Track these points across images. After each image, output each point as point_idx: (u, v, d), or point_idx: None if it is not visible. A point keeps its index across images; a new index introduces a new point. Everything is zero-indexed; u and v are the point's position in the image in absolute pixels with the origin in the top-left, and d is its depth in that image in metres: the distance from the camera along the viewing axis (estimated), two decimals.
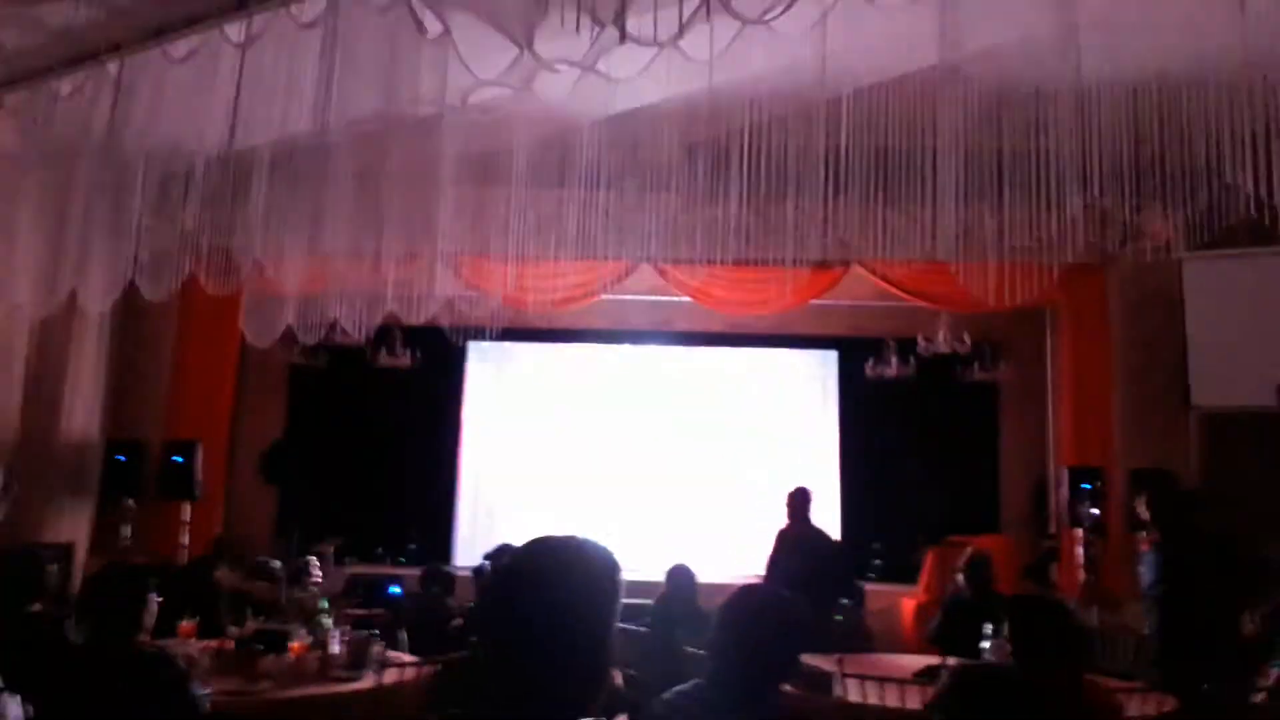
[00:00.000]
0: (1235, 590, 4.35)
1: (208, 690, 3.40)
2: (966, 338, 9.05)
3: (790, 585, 5.77)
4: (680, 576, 6.10)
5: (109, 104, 5.23)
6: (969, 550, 5.74)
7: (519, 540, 5.28)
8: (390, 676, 4.09)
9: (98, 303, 6.30)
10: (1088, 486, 7.35)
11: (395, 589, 7.18)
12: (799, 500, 6.21)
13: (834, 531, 9.73)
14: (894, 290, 7.97)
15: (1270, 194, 6.03)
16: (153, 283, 6.70)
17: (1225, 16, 4.70)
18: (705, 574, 6.29)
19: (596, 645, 1.50)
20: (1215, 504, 6.18)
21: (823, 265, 7.65)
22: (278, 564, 6.07)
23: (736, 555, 8.31)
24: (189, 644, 4.34)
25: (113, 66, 5.23)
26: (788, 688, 2.61)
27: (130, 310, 7.67)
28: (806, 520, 6.16)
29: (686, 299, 8.32)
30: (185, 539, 7.73)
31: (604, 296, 8.24)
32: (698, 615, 5.60)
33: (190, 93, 5.29)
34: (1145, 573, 5.18)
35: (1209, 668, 3.84)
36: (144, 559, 6.99)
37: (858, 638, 6.64)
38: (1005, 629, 2.81)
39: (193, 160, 6.24)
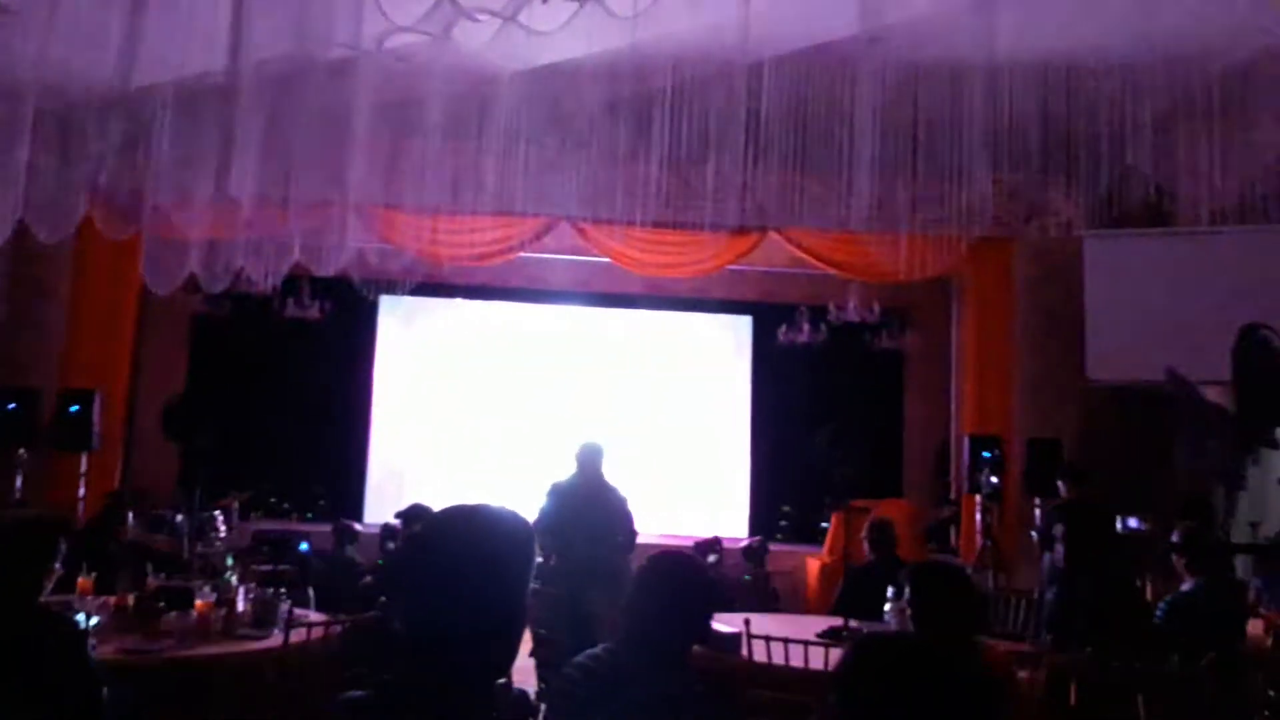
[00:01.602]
0: (1121, 558, 4.56)
1: (93, 642, 3.31)
2: (875, 307, 9.25)
3: (591, 540, 5.90)
4: None
5: None
6: (871, 518, 5.91)
7: (430, 498, 5.22)
8: (298, 635, 4.02)
9: None
10: (988, 455, 7.58)
11: (304, 545, 7.07)
12: (597, 455, 6.27)
13: (744, 494, 9.94)
14: (808, 258, 8.08)
15: (1168, 177, 6.26)
16: (46, 224, 6.39)
17: (1133, 4, 4.84)
18: None
19: (509, 612, 1.51)
20: (1094, 476, 6.47)
21: (740, 231, 7.70)
22: (180, 518, 5.91)
23: (649, 515, 8.39)
24: (87, 601, 4.20)
25: None
26: (696, 649, 2.65)
27: (22, 252, 7.31)
28: (599, 474, 6.24)
29: (604, 259, 8.30)
30: (81, 491, 7.46)
31: (521, 255, 8.17)
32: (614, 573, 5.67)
33: (87, 24, 5.01)
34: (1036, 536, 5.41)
35: (1096, 632, 4.04)
36: (38, 511, 6.73)
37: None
38: (906, 593, 2.90)
39: (90, 96, 5.94)
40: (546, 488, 6.22)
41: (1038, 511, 7.10)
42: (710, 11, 4.90)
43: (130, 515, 5.80)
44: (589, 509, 6.06)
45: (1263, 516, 6.54)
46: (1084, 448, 7.34)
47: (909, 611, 2.81)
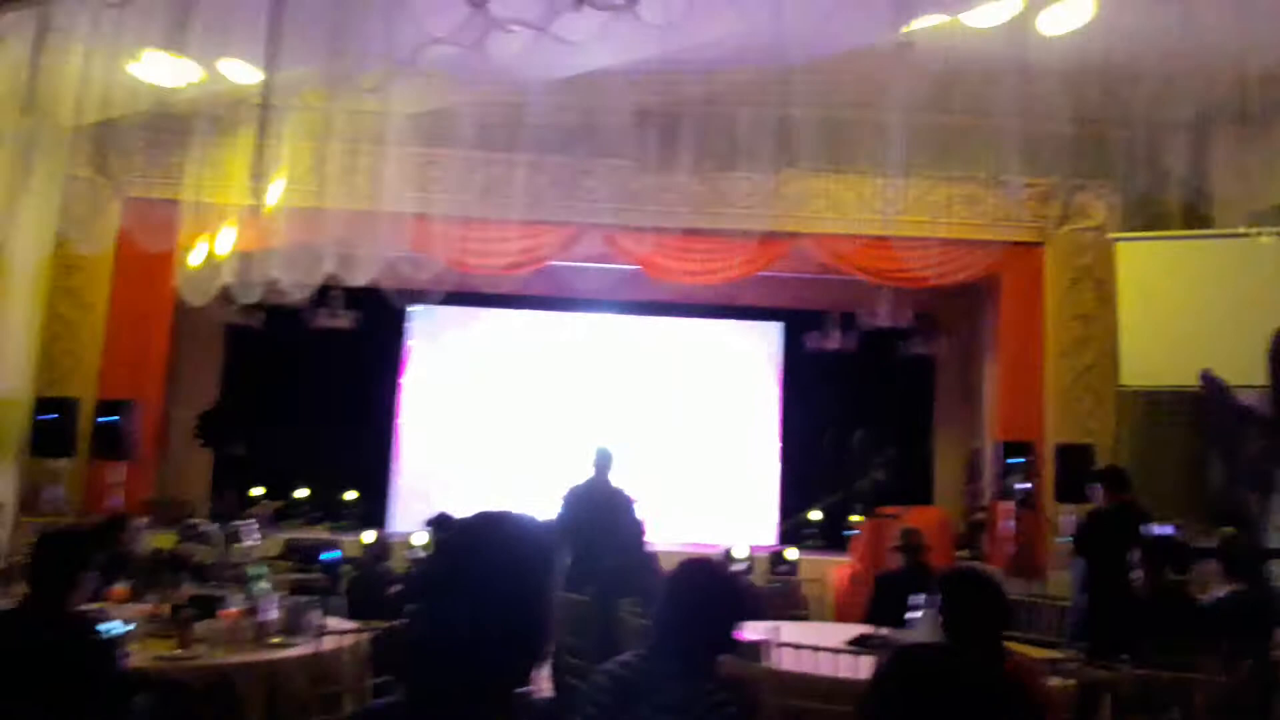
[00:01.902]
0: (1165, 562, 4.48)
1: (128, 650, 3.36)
2: (907, 312, 9.17)
3: (612, 542, 5.88)
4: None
5: (38, 47, 5.02)
6: (901, 525, 5.87)
7: (458, 506, 5.24)
8: (328, 643, 4.06)
9: (27, 255, 6.10)
10: (1018, 460, 7.50)
11: (334, 553, 7.12)
12: (605, 458, 6.29)
13: (772, 501, 9.90)
14: (839, 264, 8.03)
15: (1204, 180, 6.17)
16: (86, 236, 6.50)
17: (1168, 6, 4.79)
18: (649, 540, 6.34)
19: (535, 618, 1.51)
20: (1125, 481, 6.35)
21: (770, 237, 7.68)
22: (214, 527, 5.97)
23: (680, 522, 8.39)
24: (123, 608, 4.26)
25: (43, 9, 5.02)
26: (725, 657, 2.65)
27: (61, 264, 7.43)
28: (606, 478, 6.26)
29: (633, 267, 8.30)
30: (118, 500, 7.55)
31: (550, 263, 8.19)
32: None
33: (125, 38, 5.10)
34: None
35: (1130, 639, 3.97)
36: (74, 519, 6.83)
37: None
38: (935, 600, 2.87)
39: (128, 110, 6.04)
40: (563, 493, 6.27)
41: (1063, 518, 7.01)
42: (742, 19, 4.90)
43: (144, 522, 5.85)
44: (598, 512, 6.08)
45: None
46: (1116, 453, 7.24)
47: (940, 619, 2.78)
